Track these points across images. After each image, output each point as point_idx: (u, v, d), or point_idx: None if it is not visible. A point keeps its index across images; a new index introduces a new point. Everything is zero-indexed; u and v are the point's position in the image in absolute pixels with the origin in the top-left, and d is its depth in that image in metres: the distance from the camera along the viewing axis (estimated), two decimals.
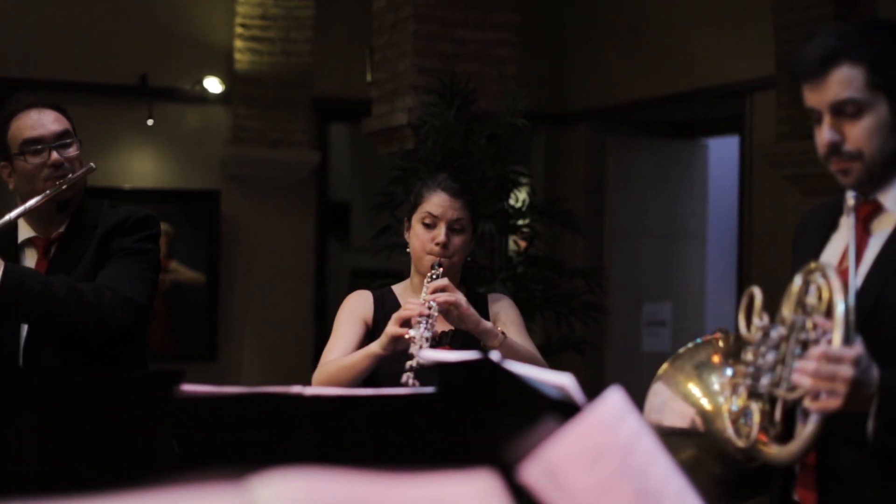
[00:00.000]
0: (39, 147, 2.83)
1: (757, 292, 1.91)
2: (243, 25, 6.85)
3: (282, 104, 6.96)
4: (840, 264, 1.95)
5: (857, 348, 1.72)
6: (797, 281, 1.85)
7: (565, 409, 1.33)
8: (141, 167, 6.88)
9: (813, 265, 1.84)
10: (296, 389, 1.60)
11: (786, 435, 1.83)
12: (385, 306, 2.90)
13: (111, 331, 2.71)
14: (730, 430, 1.90)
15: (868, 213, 1.97)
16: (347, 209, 9.36)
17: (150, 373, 2.81)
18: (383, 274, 5.49)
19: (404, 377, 2.57)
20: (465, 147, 4.71)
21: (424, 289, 2.77)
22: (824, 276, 1.79)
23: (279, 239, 7.13)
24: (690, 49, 6.38)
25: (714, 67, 6.20)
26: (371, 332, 2.87)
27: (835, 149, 1.92)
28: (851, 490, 1.89)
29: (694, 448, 1.99)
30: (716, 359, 2.03)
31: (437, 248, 2.85)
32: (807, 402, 1.74)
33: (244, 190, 7.05)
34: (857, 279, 1.87)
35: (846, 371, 1.69)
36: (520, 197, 4.99)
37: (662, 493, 1.18)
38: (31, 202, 2.77)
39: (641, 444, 1.20)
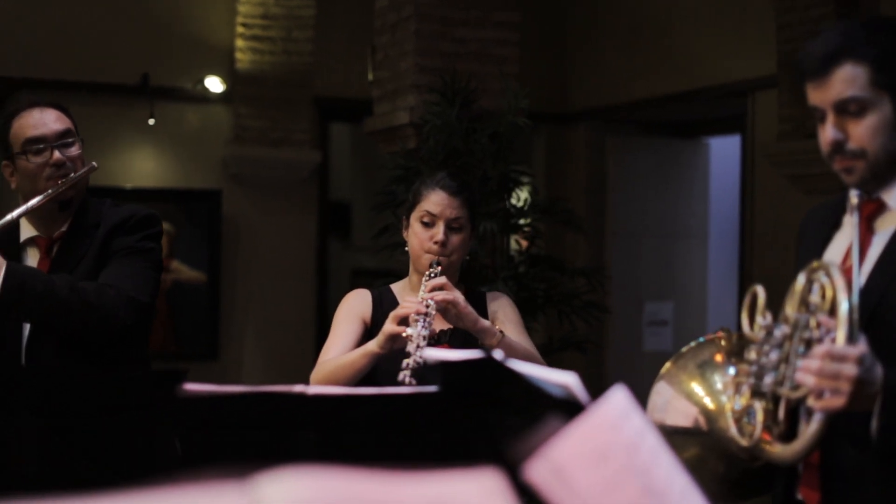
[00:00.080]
0: (41, 146, 2.83)
1: (760, 291, 1.91)
2: (244, 25, 6.85)
3: (283, 104, 6.96)
4: (843, 263, 1.95)
5: (861, 347, 1.72)
6: (801, 279, 1.84)
7: (569, 408, 1.33)
8: (142, 167, 6.88)
9: (816, 264, 1.84)
10: (298, 388, 1.60)
11: (789, 434, 1.83)
12: (383, 305, 2.89)
13: (113, 330, 2.71)
14: (733, 429, 1.90)
15: (871, 211, 1.96)
16: (348, 208, 9.36)
17: (153, 372, 2.81)
18: (384, 273, 5.50)
19: (401, 375, 2.57)
20: (467, 146, 4.71)
21: (422, 287, 2.77)
22: (828, 274, 1.79)
23: (280, 238, 7.13)
24: (691, 48, 6.38)
25: (715, 67, 6.20)
26: (369, 331, 2.87)
27: (838, 147, 1.91)
28: (855, 489, 1.89)
29: (697, 447, 1.99)
30: (718, 358, 2.03)
31: (435, 247, 2.85)
32: (810, 401, 1.74)
33: (245, 189, 7.05)
34: (860, 277, 1.87)
35: (850, 370, 1.69)
36: (521, 196, 4.99)
37: (667, 492, 1.18)
38: (33, 201, 2.77)
39: (646, 442, 1.19)
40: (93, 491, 0.83)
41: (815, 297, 1.80)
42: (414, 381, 2.55)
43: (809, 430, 1.75)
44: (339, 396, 1.64)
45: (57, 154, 2.83)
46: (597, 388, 1.32)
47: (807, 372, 1.73)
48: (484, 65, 4.98)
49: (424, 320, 2.66)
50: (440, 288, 2.74)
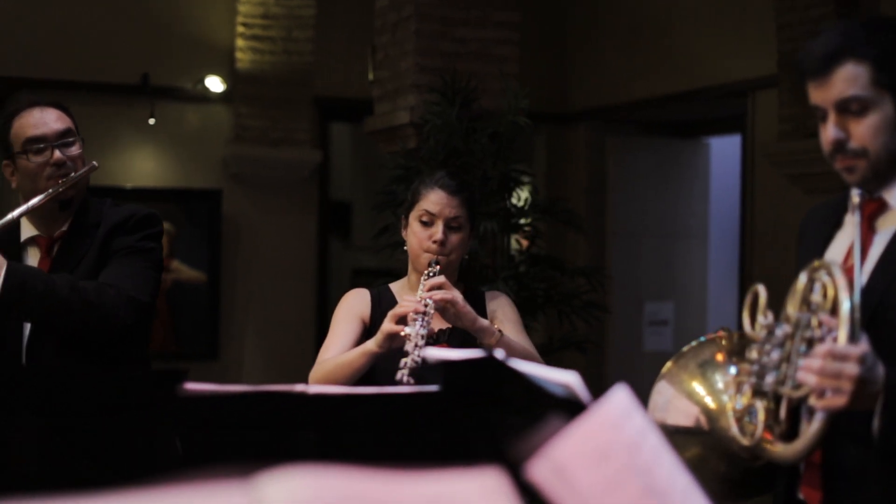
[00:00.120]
0: (42, 146, 2.82)
1: (761, 290, 1.91)
2: (245, 24, 6.85)
3: (283, 103, 6.96)
4: (845, 262, 1.95)
5: (863, 346, 1.72)
6: (802, 279, 1.84)
7: (570, 408, 1.33)
8: (142, 166, 6.88)
9: (818, 263, 1.84)
10: (299, 388, 1.60)
11: (791, 433, 1.83)
12: (382, 304, 2.89)
13: (114, 329, 2.71)
14: (734, 429, 1.89)
15: (873, 210, 1.96)
16: (349, 208, 9.36)
17: (154, 372, 2.81)
18: (385, 273, 5.49)
19: (399, 374, 2.57)
20: (467, 146, 4.71)
21: (421, 286, 2.77)
22: (829, 273, 1.79)
23: (280, 238, 7.13)
24: (691, 48, 6.38)
25: (715, 66, 6.20)
26: (368, 331, 2.86)
27: (840, 146, 1.91)
28: (857, 488, 1.89)
29: (698, 446, 1.99)
30: (720, 357, 2.03)
31: (434, 246, 2.85)
32: (812, 400, 1.74)
33: (246, 189, 7.05)
34: (862, 277, 1.87)
35: (852, 369, 1.69)
36: (522, 196, 4.99)
37: (668, 491, 1.18)
38: (34, 201, 2.77)
39: (647, 442, 1.19)
40: (94, 490, 0.83)
41: (816, 297, 1.80)
42: (412, 381, 2.55)
43: (811, 429, 1.75)
44: (339, 396, 1.64)
45: (57, 153, 2.82)
46: (597, 388, 1.32)
47: (808, 371, 1.73)
48: (484, 64, 4.98)
49: (423, 319, 2.66)
50: (439, 287, 2.74)
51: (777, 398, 1.83)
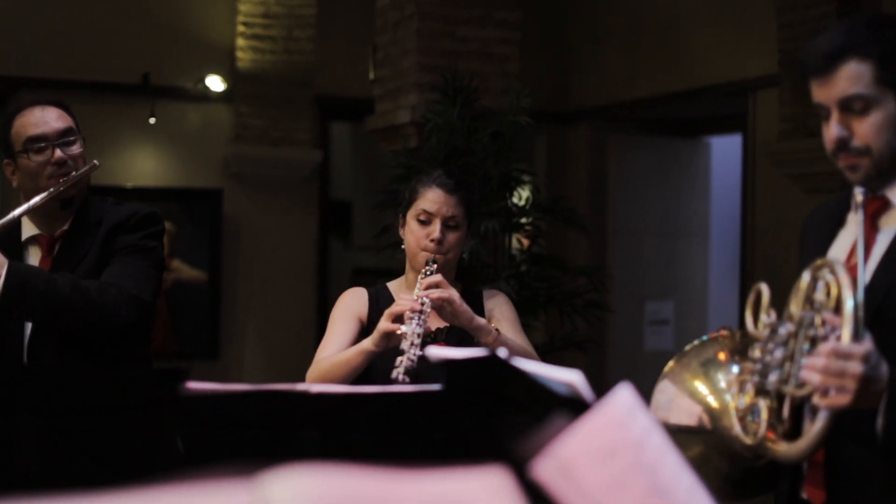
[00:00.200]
0: (43, 145, 2.82)
1: (764, 289, 1.90)
2: (245, 24, 6.85)
3: (284, 102, 6.96)
4: (848, 260, 1.95)
5: (867, 344, 1.71)
6: (805, 277, 1.84)
7: (574, 406, 1.33)
8: (143, 166, 6.87)
9: (821, 261, 1.83)
10: (301, 387, 1.59)
11: (794, 432, 1.82)
12: (380, 303, 2.89)
13: (115, 328, 2.71)
14: (737, 428, 1.89)
15: (876, 209, 1.96)
16: (349, 208, 9.36)
17: (156, 370, 2.80)
18: (385, 273, 5.49)
19: (395, 373, 2.56)
20: (468, 145, 4.71)
21: (418, 285, 2.77)
22: (833, 272, 1.78)
23: (281, 237, 7.13)
24: (692, 47, 6.38)
25: (716, 66, 6.20)
26: (366, 330, 2.86)
27: (843, 145, 1.91)
28: (860, 487, 1.88)
29: (701, 445, 1.98)
30: (722, 356, 2.02)
31: (431, 245, 2.85)
32: (815, 399, 1.74)
33: (246, 188, 7.05)
34: (865, 275, 1.87)
35: (855, 367, 1.69)
36: (523, 195, 4.98)
37: (673, 490, 1.17)
38: (35, 200, 2.77)
39: (652, 440, 1.19)
40: (98, 490, 0.83)
41: (819, 295, 1.80)
42: (407, 379, 2.54)
43: (814, 428, 1.75)
44: (342, 395, 1.64)
45: (58, 152, 2.82)
46: (598, 388, 1.31)
47: (812, 369, 1.72)
48: (485, 64, 4.98)
49: (419, 318, 2.66)
50: (436, 286, 2.74)
51: (780, 397, 1.83)
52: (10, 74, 6.42)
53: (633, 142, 7.21)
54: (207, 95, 6.90)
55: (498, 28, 5.04)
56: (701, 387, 2.01)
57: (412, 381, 2.52)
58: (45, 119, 2.84)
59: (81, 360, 2.75)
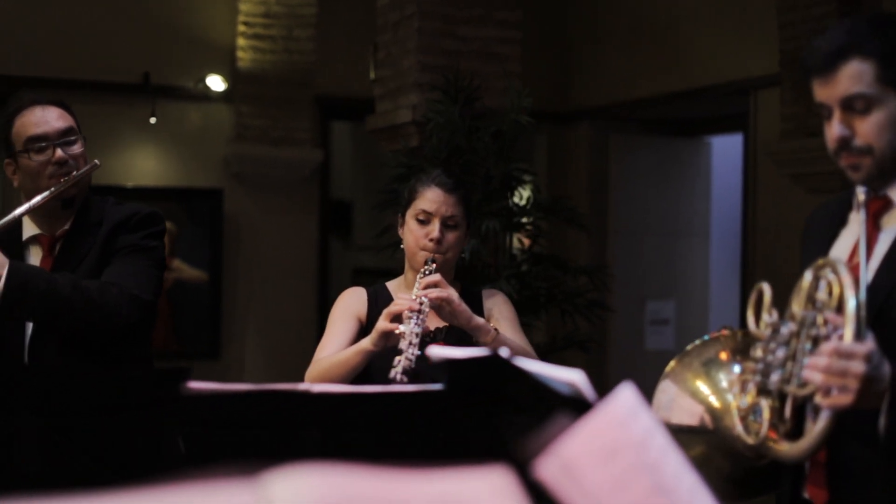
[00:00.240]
0: (44, 144, 2.82)
1: (766, 288, 1.90)
2: (246, 23, 6.85)
3: (284, 102, 6.95)
4: (850, 260, 1.94)
5: (869, 344, 1.71)
6: (807, 276, 1.84)
7: (577, 406, 1.32)
8: (143, 165, 6.87)
9: (823, 261, 1.83)
10: (303, 386, 1.59)
11: (796, 432, 1.82)
12: (379, 303, 2.88)
13: (116, 328, 2.70)
14: (739, 428, 1.89)
15: (878, 208, 1.96)
16: (350, 207, 9.36)
17: (157, 370, 2.80)
18: (385, 272, 5.48)
19: (392, 373, 2.56)
20: (470, 144, 4.70)
21: (417, 284, 2.77)
22: (835, 271, 1.78)
23: (282, 237, 7.12)
24: (693, 47, 6.38)
25: (717, 65, 6.20)
26: (364, 329, 2.86)
27: (844, 144, 1.91)
28: (862, 487, 1.88)
29: (702, 445, 1.98)
30: (724, 356, 2.02)
31: (430, 244, 2.85)
32: (818, 399, 1.73)
33: (247, 188, 7.05)
34: (867, 274, 1.86)
35: (858, 367, 1.68)
36: (524, 195, 4.98)
37: (676, 490, 1.17)
38: (36, 199, 2.76)
39: (654, 440, 1.19)
40: (101, 490, 0.82)
41: (822, 294, 1.79)
42: (405, 379, 2.54)
43: (816, 427, 1.74)
44: (344, 394, 1.63)
45: (59, 152, 2.82)
46: (599, 387, 1.31)
47: (814, 369, 1.72)
48: (486, 63, 4.97)
49: (417, 317, 2.66)
50: (434, 285, 2.73)
51: (782, 397, 1.82)
52: (10, 74, 6.42)
53: (634, 141, 7.21)
54: (208, 95, 6.90)
55: (499, 27, 5.03)
56: (703, 386, 2.00)
57: (410, 381, 2.52)
58: (46, 119, 2.84)
59: (82, 360, 2.75)
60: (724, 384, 1.98)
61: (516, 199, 4.92)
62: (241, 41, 6.87)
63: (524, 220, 4.88)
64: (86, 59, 6.66)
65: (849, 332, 1.72)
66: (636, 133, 7.29)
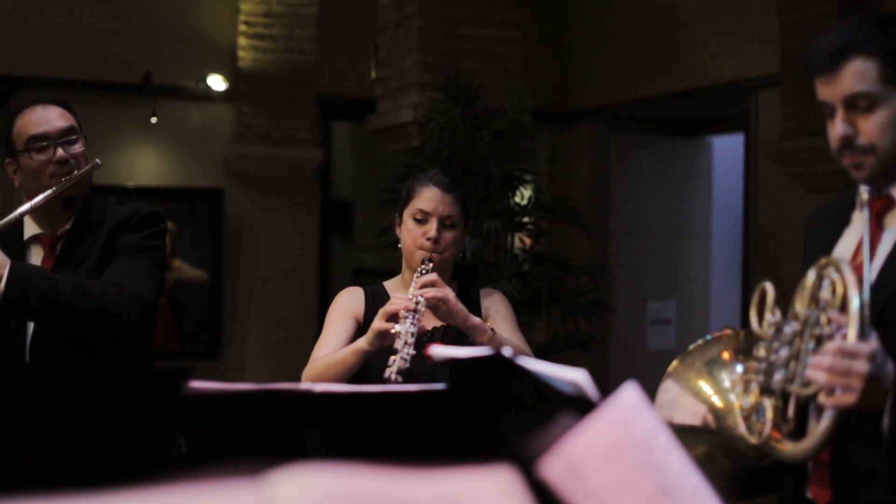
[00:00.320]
0: (45, 144, 2.82)
1: (769, 287, 1.90)
2: (247, 23, 6.85)
3: (285, 102, 6.95)
4: (853, 259, 1.94)
5: (873, 343, 1.70)
6: (810, 276, 1.83)
7: (580, 405, 1.32)
8: (144, 165, 6.87)
9: (826, 260, 1.82)
10: (305, 386, 1.59)
11: (799, 431, 1.82)
12: (376, 302, 2.88)
13: (118, 328, 2.70)
14: (742, 427, 1.88)
15: (881, 207, 1.95)
16: (351, 207, 9.36)
17: (158, 370, 2.80)
18: (386, 272, 5.48)
19: (387, 372, 2.56)
20: (471, 144, 4.70)
21: (413, 284, 2.76)
22: (838, 270, 1.77)
23: (282, 237, 7.12)
24: (694, 47, 6.37)
25: (718, 65, 6.19)
26: (362, 329, 2.86)
27: (848, 143, 1.90)
28: (866, 487, 1.88)
29: (705, 445, 1.97)
30: (726, 355, 2.02)
31: (428, 244, 2.84)
32: (821, 398, 1.73)
33: (247, 188, 7.04)
34: (871, 274, 1.86)
35: (861, 366, 1.68)
36: (525, 194, 4.98)
37: (680, 489, 1.17)
38: (37, 199, 2.76)
39: (658, 440, 1.18)
40: (104, 490, 0.82)
41: (825, 294, 1.79)
42: (400, 379, 2.54)
43: (820, 427, 1.74)
44: (346, 394, 1.63)
45: (60, 151, 2.81)
46: (600, 387, 1.31)
47: (818, 368, 1.72)
48: (487, 63, 4.97)
49: (413, 317, 2.65)
50: (431, 284, 2.73)
51: (785, 396, 1.82)
52: (10, 74, 6.42)
53: (635, 141, 7.21)
54: (209, 95, 6.90)
55: (500, 27, 5.03)
56: (705, 386, 2.00)
57: (405, 381, 2.52)
58: (47, 118, 2.84)
59: (84, 360, 2.74)
60: (727, 384, 1.97)
61: (517, 199, 4.92)
62: (241, 41, 6.86)
63: (525, 219, 4.88)
64: (86, 58, 6.65)
65: (852, 331, 1.72)
66: (637, 133, 7.29)
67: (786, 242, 5.64)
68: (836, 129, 1.91)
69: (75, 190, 2.83)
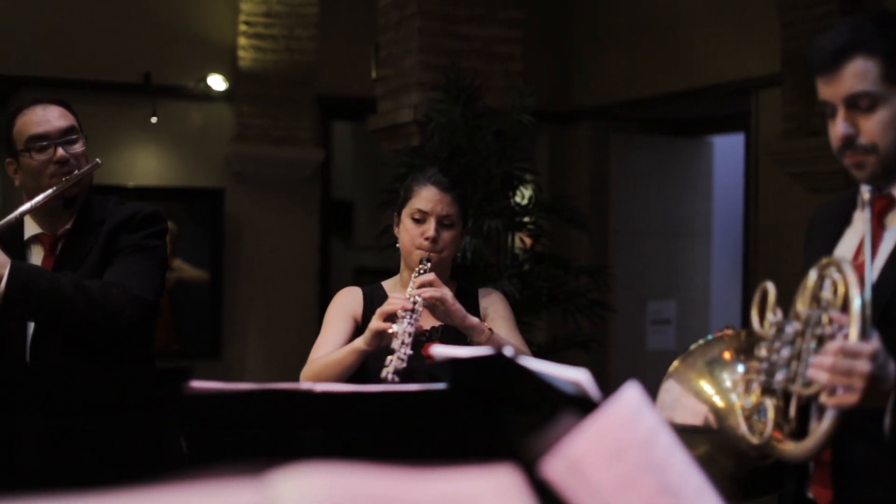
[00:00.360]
0: (45, 143, 2.81)
1: (770, 287, 1.89)
2: (247, 23, 6.84)
3: (285, 102, 6.95)
4: (855, 258, 1.94)
5: (874, 343, 1.70)
6: (812, 275, 1.83)
7: (582, 405, 1.32)
8: (144, 165, 6.87)
9: (827, 260, 1.82)
10: (306, 386, 1.59)
11: (800, 431, 1.81)
12: (374, 302, 2.87)
13: (118, 328, 2.70)
14: (743, 427, 1.88)
15: (882, 207, 1.95)
16: (351, 207, 9.36)
17: (159, 369, 2.80)
18: (386, 272, 5.48)
19: (384, 372, 2.55)
20: (471, 144, 4.70)
21: (411, 284, 2.76)
22: (840, 270, 1.77)
23: (283, 237, 7.12)
24: (694, 47, 6.37)
25: (718, 65, 6.19)
26: (360, 329, 2.85)
27: (849, 142, 1.90)
28: (867, 487, 1.87)
29: (706, 445, 1.97)
30: (727, 355, 2.02)
31: (426, 243, 2.84)
32: (823, 398, 1.73)
33: (248, 188, 7.04)
34: (872, 273, 1.86)
35: (863, 366, 1.68)
36: (526, 194, 4.98)
37: (682, 489, 1.17)
38: (37, 199, 2.76)
39: (660, 439, 1.18)
40: (106, 489, 0.82)
41: (826, 293, 1.79)
42: (397, 379, 2.53)
43: (821, 427, 1.74)
44: (347, 394, 1.63)
45: (60, 151, 2.81)
46: (600, 387, 1.31)
47: (819, 368, 1.72)
48: (488, 62, 4.97)
49: (410, 317, 2.65)
50: (428, 284, 2.73)
51: (787, 396, 1.82)
52: (10, 74, 6.42)
53: (635, 141, 7.21)
54: (209, 95, 6.89)
55: (500, 27, 5.03)
56: (706, 386, 2.00)
57: (403, 381, 2.51)
58: (47, 118, 2.84)
59: (84, 360, 2.74)
60: (728, 384, 1.97)
61: (518, 199, 4.92)
62: (242, 41, 6.86)
63: (526, 219, 4.87)
64: (86, 58, 6.65)
65: (854, 331, 1.71)
66: (637, 132, 7.29)
67: (786, 242, 5.64)
68: (838, 128, 1.91)
69: (76, 190, 2.83)
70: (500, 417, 1.40)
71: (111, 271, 2.77)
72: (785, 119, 5.44)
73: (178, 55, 6.87)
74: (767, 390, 1.84)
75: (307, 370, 2.78)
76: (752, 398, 1.87)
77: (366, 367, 2.73)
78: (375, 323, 2.66)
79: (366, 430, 1.59)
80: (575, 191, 7.00)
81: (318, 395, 1.60)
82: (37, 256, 2.87)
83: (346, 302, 2.93)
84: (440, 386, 1.52)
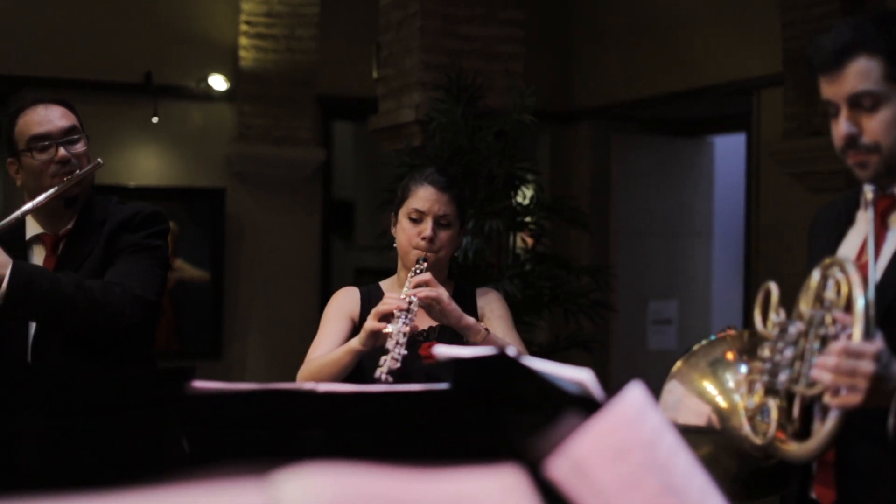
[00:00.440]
0: (46, 143, 2.81)
1: (773, 287, 1.89)
2: (248, 23, 6.84)
3: (286, 102, 6.95)
4: (858, 258, 1.94)
5: (878, 343, 1.70)
6: (815, 276, 1.83)
7: (585, 405, 1.31)
8: (145, 165, 6.87)
9: (830, 260, 1.82)
10: (308, 386, 1.58)
11: (804, 432, 1.81)
12: (372, 302, 2.87)
13: (120, 328, 2.70)
14: (746, 428, 1.88)
15: (886, 206, 1.95)
16: (352, 207, 9.36)
17: (161, 369, 2.79)
18: (387, 272, 5.47)
19: (378, 372, 2.55)
20: (472, 144, 4.69)
21: (407, 284, 2.75)
22: (843, 270, 1.77)
23: (284, 237, 7.12)
24: (695, 46, 6.37)
25: (719, 65, 6.19)
26: (357, 329, 2.85)
27: (852, 142, 1.90)
28: (871, 487, 1.87)
29: (709, 445, 1.97)
30: (730, 356, 2.01)
31: (423, 243, 2.83)
32: (826, 398, 1.72)
33: (249, 188, 7.04)
34: (875, 273, 1.86)
35: (867, 366, 1.67)
36: (527, 194, 4.97)
37: (685, 489, 1.16)
38: (39, 198, 2.76)
39: (664, 440, 1.18)
40: (108, 489, 0.82)
41: (830, 294, 1.78)
42: (391, 379, 2.53)
43: (825, 427, 1.73)
44: (349, 394, 1.62)
45: (62, 151, 2.81)
46: (602, 388, 1.30)
47: (823, 369, 1.71)
48: (489, 62, 4.97)
49: (406, 317, 2.64)
50: (424, 284, 2.72)
51: (790, 396, 1.81)
52: (11, 74, 6.42)
53: (636, 141, 7.21)
54: (210, 94, 6.89)
55: (501, 26, 5.03)
56: (709, 387, 1.99)
57: (397, 381, 2.51)
58: (49, 117, 2.83)
59: (85, 360, 2.74)
60: (731, 384, 1.97)
61: (519, 199, 4.91)
62: (243, 40, 6.86)
63: (527, 219, 4.87)
64: (87, 58, 6.65)
65: (857, 331, 1.71)
66: (638, 132, 7.29)
67: (787, 242, 5.64)
68: (841, 128, 1.90)
69: (77, 189, 2.83)
70: (504, 417, 1.40)
71: (112, 271, 2.76)
72: (786, 119, 5.43)
73: (179, 55, 6.87)
74: (771, 391, 1.84)
75: (304, 370, 2.79)
76: (756, 399, 1.87)
77: (362, 367, 2.73)
78: (370, 323, 2.66)
79: (368, 431, 1.59)
80: (576, 191, 7.00)
81: (321, 395, 1.60)
82: (38, 256, 2.86)
83: (344, 302, 2.93)
84: (443, 386, 1.52)
